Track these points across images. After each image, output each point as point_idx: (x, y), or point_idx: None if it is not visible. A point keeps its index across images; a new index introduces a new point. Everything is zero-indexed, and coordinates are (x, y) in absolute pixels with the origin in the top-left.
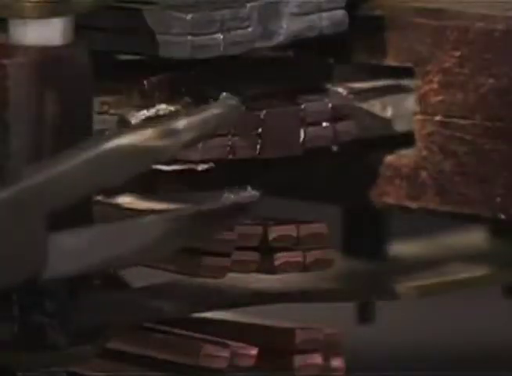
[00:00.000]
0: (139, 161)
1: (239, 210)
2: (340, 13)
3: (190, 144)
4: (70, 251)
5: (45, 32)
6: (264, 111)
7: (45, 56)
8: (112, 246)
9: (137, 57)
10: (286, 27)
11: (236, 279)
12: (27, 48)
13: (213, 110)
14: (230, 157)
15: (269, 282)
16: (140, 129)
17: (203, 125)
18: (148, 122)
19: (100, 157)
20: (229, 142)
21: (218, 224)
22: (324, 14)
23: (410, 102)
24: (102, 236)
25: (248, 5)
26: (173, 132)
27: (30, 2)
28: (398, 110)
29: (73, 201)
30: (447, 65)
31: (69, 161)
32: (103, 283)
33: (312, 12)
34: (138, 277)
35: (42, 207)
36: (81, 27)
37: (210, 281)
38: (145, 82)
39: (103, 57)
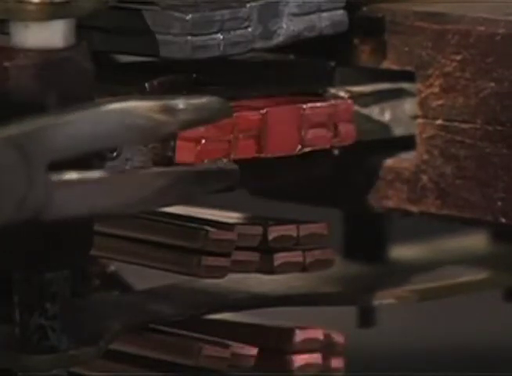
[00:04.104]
0: (136, 130)
1: (226, 176)
2: (340, 13)
3: (186, 126)
4: (75, 193)
5: (46, 35)
6: (264, 111)
7: (47, 59)
8: (114, 193)
9: (138, 59)
10: (286, 27)
11: (237, 282)
12: (28, 51)
13: (211, 100)
14: (230, 157)
15: (270, 285)
16: (141, 100)
17: (201, 110)
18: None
19: (100, 116)
20: (229, 143)
21: (209, 185)
22: (324, 14)
23: (409, 105)
24: (105, 183)
25: (248, 5)
26: (172, 110)
27: (32, 5)
28: (397, 113)
29: (74, 154)
30: (448, 69)
31: (71, 116)
32: (104, 285)
33: (312, 13)
34: (140, 279)
35: (47, 152)
36: (81, 28)
37: (211, 284)
38: (146, 85)
39: (104, 59)
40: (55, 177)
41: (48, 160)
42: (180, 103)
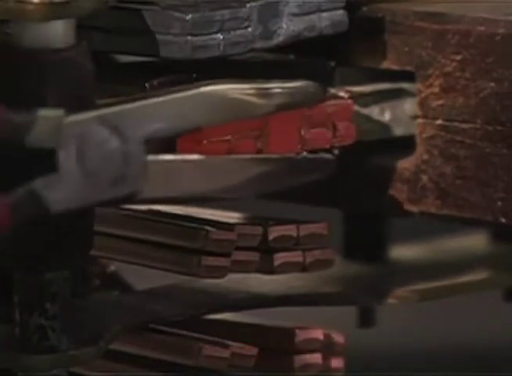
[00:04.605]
0: (230, 111)
1: (317, 167)
2: (340, 13)
3: (281, 108)
4: (171, 175)
5: (46, 35)
6: None
7: (47, 59)
8: (210, 177)
9: (138, 59)
10: (286, 28)
11: (237, 282)
12: (28, 51)
13: (306, 84)
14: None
15: (270, 285)
16: (237, 83)
17: (296, 94)
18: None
19: (195, 98)
20: (230, 143)
21: (300, 175)
22: (324, 14)
23: (409, 105)
24: (202, 166)
25: (248, 5)
26: (267, 93)
27: (32, 5)
28: (397, 113)
29: (168, 134)
30: (448, 69)
31: (165, 96)
32: (104, 285)
33: (312, 13)
34: (140, 279)
35: (141, 130)
36: (81, 28)
37: (211, 284)
38: (146, 85)
39: (104, 59)
40: (151, 157)
41: (143, 139)
42: (275, 86)
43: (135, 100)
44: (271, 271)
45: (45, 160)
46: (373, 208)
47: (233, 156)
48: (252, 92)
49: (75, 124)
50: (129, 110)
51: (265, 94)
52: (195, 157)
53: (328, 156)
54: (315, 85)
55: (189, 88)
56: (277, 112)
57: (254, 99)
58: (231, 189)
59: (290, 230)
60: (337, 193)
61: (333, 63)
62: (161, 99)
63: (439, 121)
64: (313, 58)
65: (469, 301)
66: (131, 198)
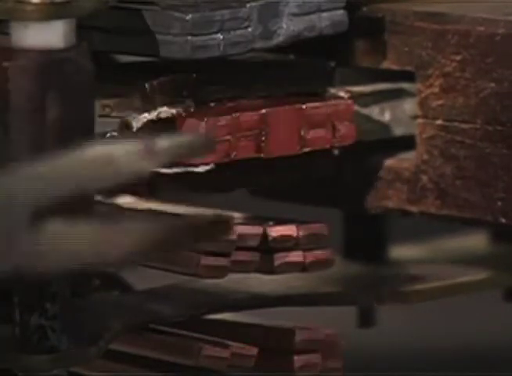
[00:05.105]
0: (116, 173)
1: (216, 228)
2: (340, 13)
3: (167, 165)
4: (60, 246)
5: (46, 35)
6: (264, 111)
7: (47, 59)
8: (102, 246)
9: (138, 59)
10: (286, 27)
11: (237, 282)
12: (28, 51)
13: (194, 138)
14: (230, 157)
15: (270, 285)
16: (123, 143)
17: (182, 148)
18: (140, 131)
19: (80, 162)
20: (230, 143)
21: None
22: (324, 14)
23: (409, 105)
24: (84, 237)
25: (248, 5)
26: (152, 153)
27: (32, 5)
28: (397, 113)
29: (59, 200)
30: (448, 69)
31: (48, 163)
32: (104, 285)
33: (312, 13)
34: (140, 279)
35: (25, 203)
36: (81, 28)
37: (211, 284)
38: (146, 85)
39: (104, 59)
40: (39, 228)
41: (31, 210)
42: (160, 142)
43: (21, 169)
44: (271, 271)
45: None
46: (374, 208)
47: (119, 227)
48: (136, 151)
49: None
50: (16, 180)
51: (149, 153)
52: (85, 227)
53: (224, 217)
54: (203, 139)
55: (73, 152)
56: (163, 168)
57: (138, 159)
58: (124, 259)
59: (290, 230)
60: (337, 193)
61: (333, 63)
62: (48, 166)
63: (439, 121)
64: (313, 58)
65: (469, 301)
66: (17, 273)
